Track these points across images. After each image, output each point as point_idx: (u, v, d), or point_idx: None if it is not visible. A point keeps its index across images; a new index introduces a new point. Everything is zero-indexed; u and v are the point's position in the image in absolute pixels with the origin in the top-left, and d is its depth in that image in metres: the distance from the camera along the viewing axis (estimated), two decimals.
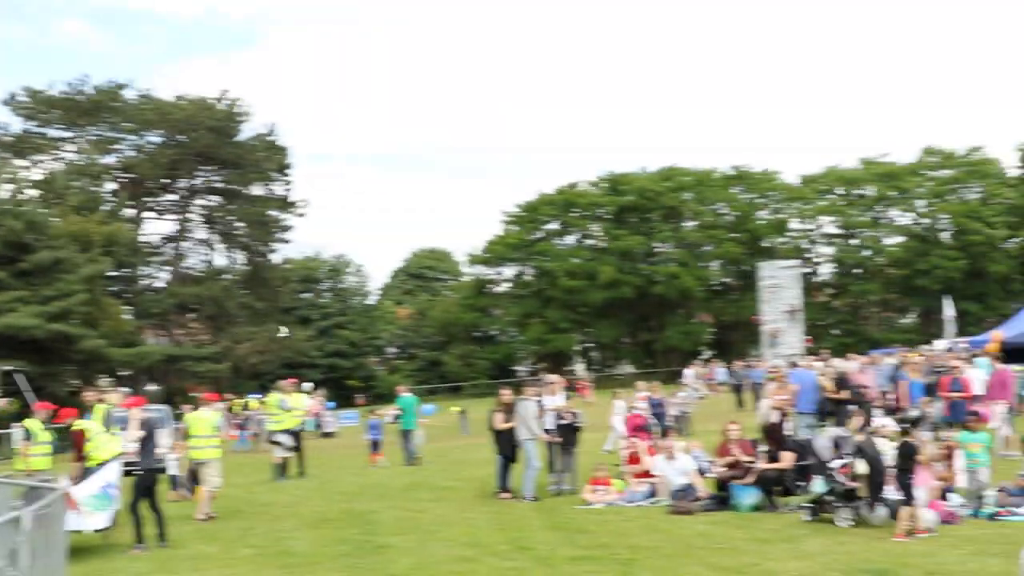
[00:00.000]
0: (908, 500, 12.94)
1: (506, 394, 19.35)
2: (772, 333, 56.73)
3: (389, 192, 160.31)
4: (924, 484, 13.32)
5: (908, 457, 13.25)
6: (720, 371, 50.27)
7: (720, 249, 75.49)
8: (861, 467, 13.76)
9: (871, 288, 74.48)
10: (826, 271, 78.82)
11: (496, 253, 78.98)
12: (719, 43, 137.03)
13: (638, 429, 20.40)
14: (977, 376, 22.90)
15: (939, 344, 41.58)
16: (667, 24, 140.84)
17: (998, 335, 37.88)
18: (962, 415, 18.90)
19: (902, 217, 76.52)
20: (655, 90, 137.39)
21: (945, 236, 73.80)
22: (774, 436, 16.64)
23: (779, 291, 57.60)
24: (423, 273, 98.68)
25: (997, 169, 74.59)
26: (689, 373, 45.29)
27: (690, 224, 78.03)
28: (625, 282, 73.00)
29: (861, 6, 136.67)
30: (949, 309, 44.90)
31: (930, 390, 22.91)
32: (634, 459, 18.70)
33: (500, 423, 18.83)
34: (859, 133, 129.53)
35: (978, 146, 75.62)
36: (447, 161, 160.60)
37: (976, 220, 70.65)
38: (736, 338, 74.95)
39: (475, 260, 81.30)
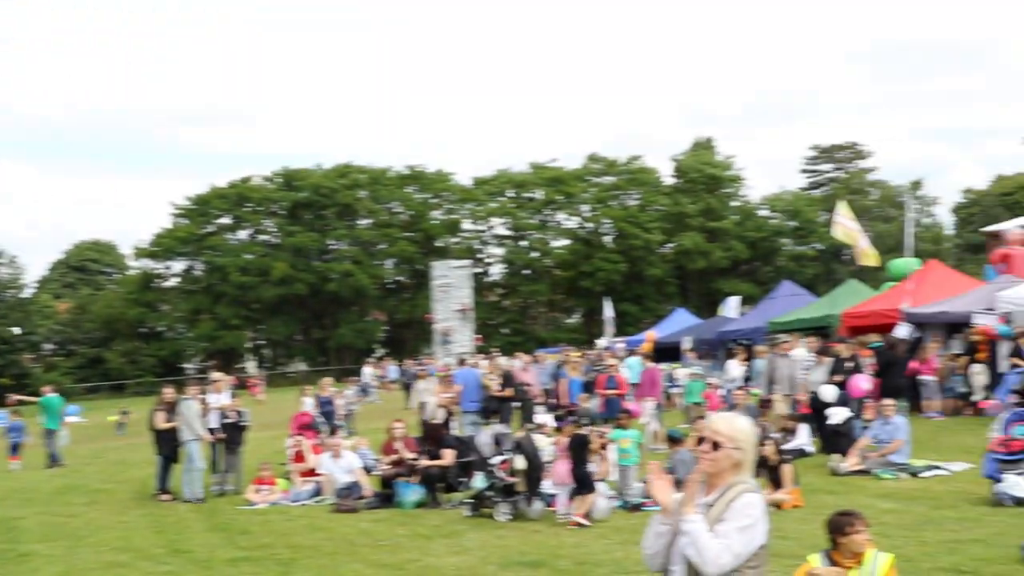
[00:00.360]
0: (586, 489, 13.66)
1: (168, 392, 18.76)
2: (444, 331, 57.73)
3: (49, 181, 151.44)
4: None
5: (582, 448, 13.90)
6: (392, 369, 50.65)
7: (394, 248, 76.22)
8: (520, 463, 14.19)
9: (539, 289, 77.13)
10: (497, 271, 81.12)
11: (164, 246, 76.28)
12: (392, 43, 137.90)
13: (304, 427, 20.24)
14: (628, 374, 24.21)
15: (601, 343, 43.70)
16: (342, 21, 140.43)
17: (652, 335, 40.26)
18: (617, 411, 19.84)
19: (568, 221, 79.84)
20: (331, 87, 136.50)
21: (608, 240, 77.51)
22: (434, 434, 16.91)
23: (451, 290, 58.72)
24: (85, 266, 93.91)
25: (654, 178, 79.28)
26: (367, 371, 45.54)
27: (365, 222, 78.26)
28: (298, 279, 72.47)
29: (535, 15, 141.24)
30: (609, 310, 47.15)
31: (588, 387, 23.98)
32: (299, 457, 18.54)
33: (161, 422, 18.20)
34: (529, 138, 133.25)
35: (637, 155, 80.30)
36: (114, 151, 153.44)
37: (635, 225, 74.73)
38: (409, 336, 75.86)
39: (141, 253, 78.26)
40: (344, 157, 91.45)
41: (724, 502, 4.39)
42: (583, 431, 14.44)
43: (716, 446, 4.45)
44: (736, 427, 4.52)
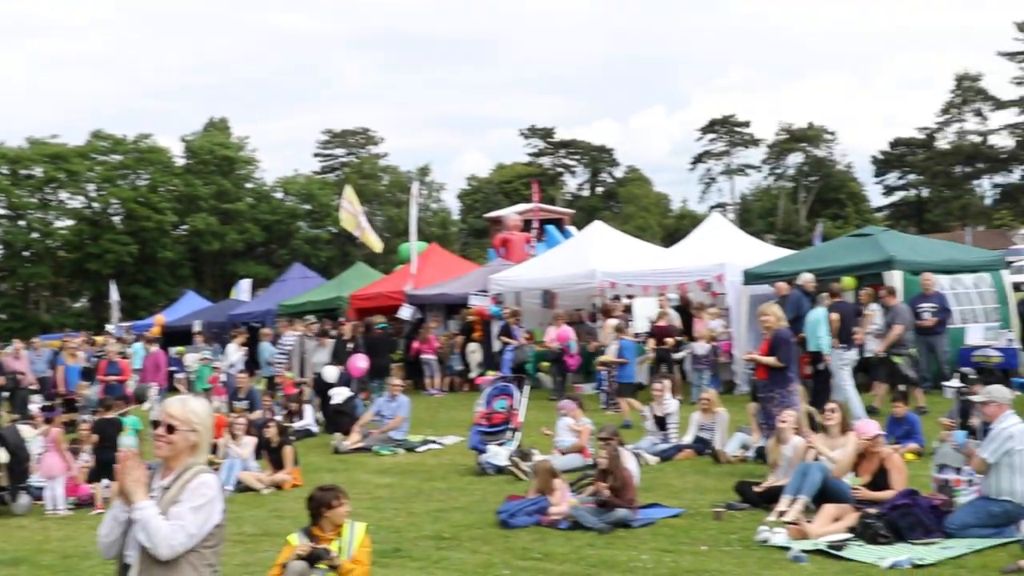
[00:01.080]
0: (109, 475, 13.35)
1: None
2: None
3: None
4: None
5: (111, 432, 14.04)
6: None
7: None
8: (3, 456, 13.38)
9: (41, 271, 72.92)
10: None
11: None
12: None
13: None
14: (132, 360, 23.57)
15: (110, 328, 42.17)
16: None
17: (161, 319, 39.32)
18: (118, 398, 19.20)
19: (73, 200, 75.95)
20: None
21: (117, 221, 74.67)
22: None
23: None
24: None
25: (166, 158, 77.23)
26: None
27: None
28: None
29: None
30: (115, 293, 45.58)
31: (88, 374, 23.06)
32: None
33: None
34: (25, 111, 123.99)
35: (147, 134, 77.74)
36: None
37: (146, 206, 72.51)
38: None
39: None
40: None
41: (180, 484, 4.45)
42: (113, 416, 14.20)
43: (171, 429, 4.49)
44: (190, 410, 4.59)
